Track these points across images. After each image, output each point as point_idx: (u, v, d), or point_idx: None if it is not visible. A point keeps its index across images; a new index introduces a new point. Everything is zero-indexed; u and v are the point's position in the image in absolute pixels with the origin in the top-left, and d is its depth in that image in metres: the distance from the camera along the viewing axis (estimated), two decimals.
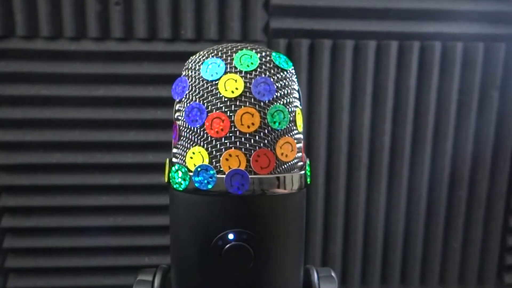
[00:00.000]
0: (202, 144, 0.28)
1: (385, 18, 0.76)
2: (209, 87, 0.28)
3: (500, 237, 0.85)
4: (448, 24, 0.77)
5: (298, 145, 0.30)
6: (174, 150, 0.30)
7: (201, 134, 0.28)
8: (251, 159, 0.27)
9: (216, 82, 0.28)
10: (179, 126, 0.29)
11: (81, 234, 0.77)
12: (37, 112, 0.74)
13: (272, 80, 0.28)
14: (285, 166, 0.29)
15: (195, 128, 0.28)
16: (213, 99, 0.28)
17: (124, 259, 0.79)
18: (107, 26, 0.72)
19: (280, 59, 0.30)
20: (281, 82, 0.29)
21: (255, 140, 0.28)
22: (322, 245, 0.82)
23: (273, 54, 0.30)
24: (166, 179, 0.30)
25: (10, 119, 0.74)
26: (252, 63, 0.28)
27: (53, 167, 0.75)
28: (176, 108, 0.30)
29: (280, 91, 0.29)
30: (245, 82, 0.28)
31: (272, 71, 0.29)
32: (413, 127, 0.80)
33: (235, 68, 0.28)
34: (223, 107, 0.28)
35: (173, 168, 0.29)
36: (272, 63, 0.29)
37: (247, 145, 0.27)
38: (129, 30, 0.72)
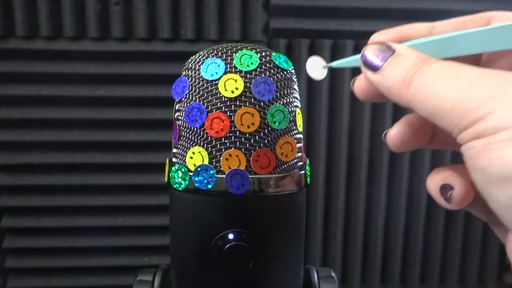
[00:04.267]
0: (202, 144, 0.28)
1: (385, 18, 0.76)
2: (209, 87, 0.28)
3: None
4: None
5: (298, 145, 0.30)
6: (174, 150, 0.30)
7: (201, 134, 0.28)
8: (251, 159, 0.27)
9: (216, 82, 0.28)
10: (179, 126, 0.29)
11: (81, 234, 0.77)
12: (37, 112, 0.74)
13: (272, 80, 0.28)
14: (285, 166, 0.29)
15: (195, 128, 0.28)
16: (213, 99, 0.28)
17: (124, 259, 0.79)
18: (107, 26, 0.72)
19: (280, 59, 0.30)
20: (281, 82, 0.29)
21: (255, 140, 0.28)
22: (322, 245, 0.82)
23: (273, 54, 0.30)
24: (166, 179, 0.30)
25: (10, 119, 0.74)
26: (252, 63, 0.28)
27: (53, 167, 0.75)
28: (176, 108, 0.30)
29: (280, 91, 0.29)
30: (245, 82, 0.28)
31: (272, 71, 0.29)
32: None
33: (235, 68, 0.28)
34: (223, 107, 0.28)
35: (173, 168, 0.29)
36: (272, 63, 0.29)
37: (247, 145, 0.27)
38: (129, 30, 0.72)
